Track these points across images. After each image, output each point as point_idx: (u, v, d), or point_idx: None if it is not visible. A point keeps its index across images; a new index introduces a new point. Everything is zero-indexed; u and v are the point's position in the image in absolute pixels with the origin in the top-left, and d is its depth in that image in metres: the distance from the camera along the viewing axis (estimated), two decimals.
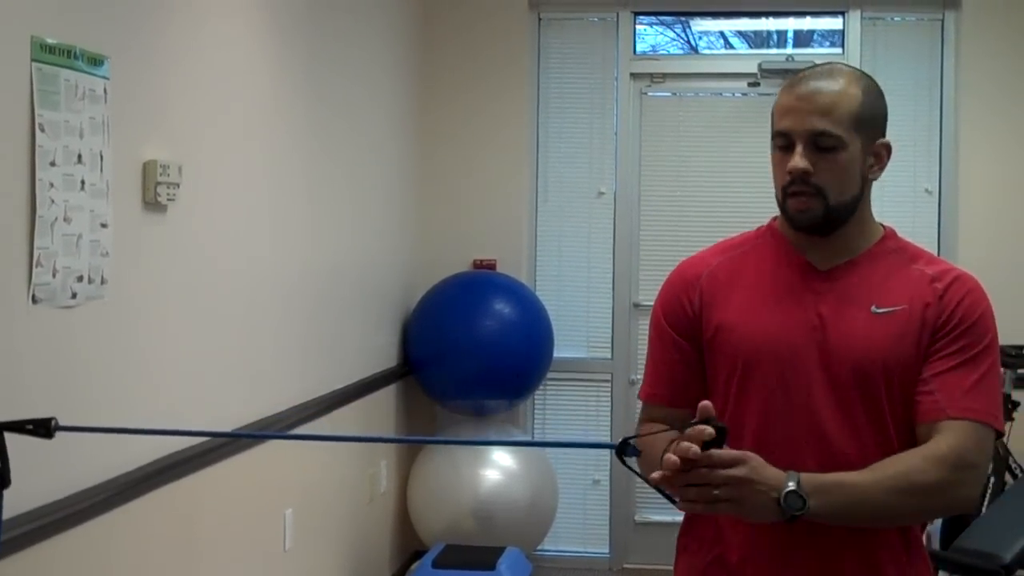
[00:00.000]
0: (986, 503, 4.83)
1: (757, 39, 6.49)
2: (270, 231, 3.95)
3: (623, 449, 1.77)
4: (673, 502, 1.83)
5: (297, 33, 4.17)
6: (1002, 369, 5.04)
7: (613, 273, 5.95)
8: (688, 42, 6.64)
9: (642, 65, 5.96)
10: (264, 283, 3.90)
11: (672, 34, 6.63)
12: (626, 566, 5.93)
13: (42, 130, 2.56)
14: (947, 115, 5.73)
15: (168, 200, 3.14)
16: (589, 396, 5.98)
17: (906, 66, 5.78)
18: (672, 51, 6.48)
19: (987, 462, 2.04)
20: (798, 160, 2.01)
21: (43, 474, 2.56)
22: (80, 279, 2.72)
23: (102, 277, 2.81)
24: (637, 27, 6.00)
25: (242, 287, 3.72)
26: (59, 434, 1.93)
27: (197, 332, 3.39)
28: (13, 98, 2.49)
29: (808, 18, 6.30)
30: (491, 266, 5.82)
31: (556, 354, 5.68)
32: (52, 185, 2.59)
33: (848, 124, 2.01)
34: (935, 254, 2.19)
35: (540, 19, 5.97)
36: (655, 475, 1.79)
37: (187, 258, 3.31)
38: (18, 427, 1.94)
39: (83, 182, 2.72)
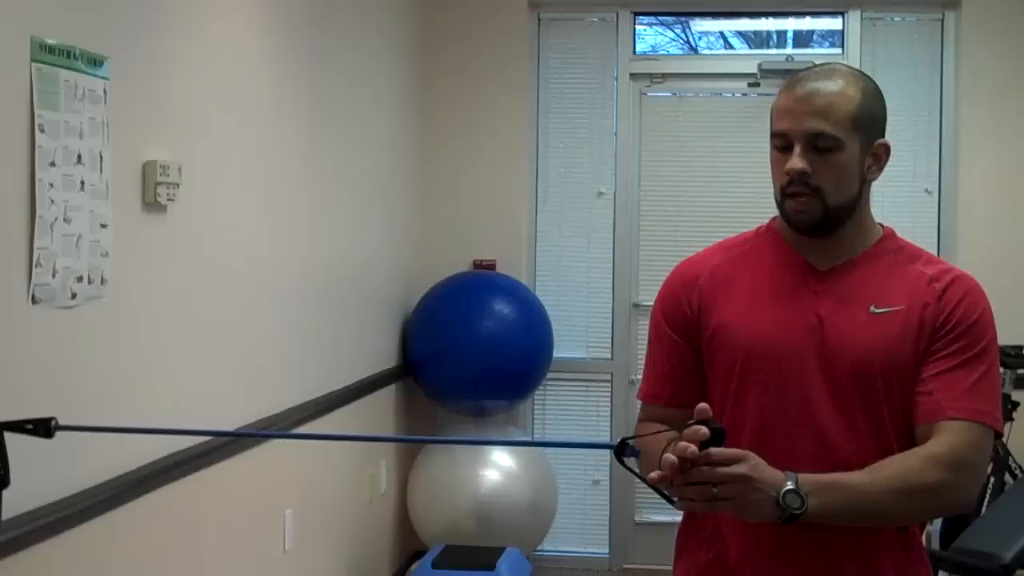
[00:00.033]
0: (986, 503, 4.83)
1: (757, 39, 6.49)
2: (270, 231, 3.95)
3: (621, 450, 1.78)
4: (671, 502, 1.84)
5: (297, 34, 4.17)
6: (1002, 369, 5.07)
7: (613, 273, 5.95)
8: (688, 42, 6.64)
9: (642, 65, 5.96)
10: (264, 283, 3.90)
11: (672, 34, 6.63)
12: (626, 566, 5.93)
13: (42, 130, 2.56)
14: (947, 115, 5.73)
15: (168, 200, 3.14)
16: (589, 396, 5.98)
17: (906, 66, 5.78)
18: (672, 51, 6.48)
19: (986, 462, 2.05)
20: (796, 161, 2.01)
21: (43, 474, 2.56)
22: (80, 279, 2.72)
23: (102, 277, 2.82)
24: (637, 27, 6.01)
25: (242, 287, 3.72)
26: (59, 434, 1.93)
27: (197, 332, 3.39)
28: (13, 99, 2.49)
29: (808, 18, 6.30)
30: (491, 266, 5.82)
31: (556, 354, 5.68)
32: (52, 185, 2.59)
33: (846, 125, 2.01)
34: (935, 254, 2.19)
35: (540, 19, 5.97)
36: (653, 475, 1.79)
37: (187, 258, 3.31)
38: (18, 427, 1.94)
39: (83, 182, 2.72)
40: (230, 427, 3.60)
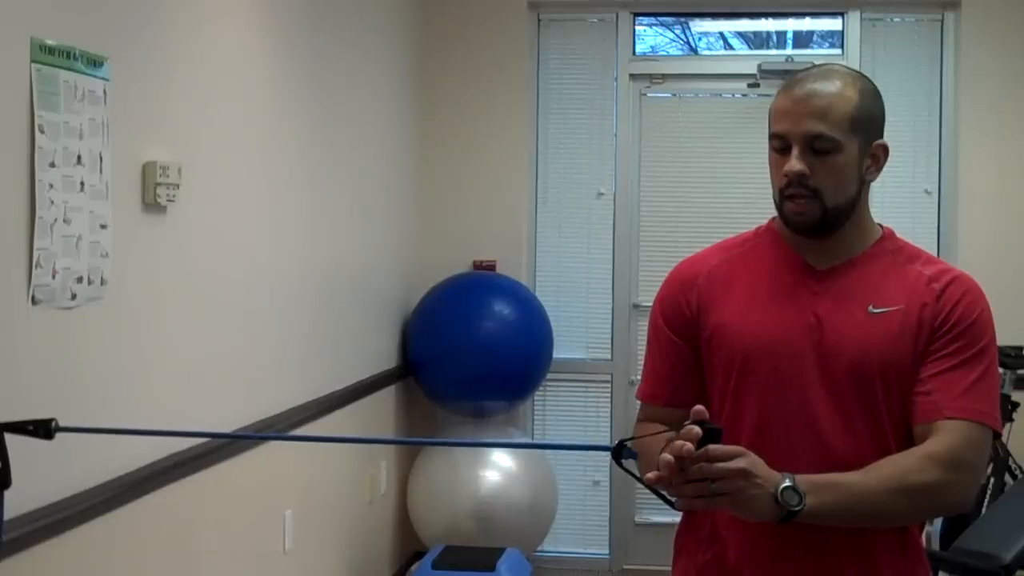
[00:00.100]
0: (986, 504, 4.83)
1: (757, 40, 6.49)
2: (270, 232, 3.96)
3: (619, 452, 1.78)
4: (669, 503, 1.84)
5: (297, 35, 4.17)
6: (1001, 370, 5.08)
7: (613, 274, 5.95)
8: (688, 43, 6.64)
9: (642, 66, 5.96)
10: (264, 284, 3.90)
11: (672, 35, 6.63)
12: (626, 567, 5.93)
13: (42, 131, 2.56)
14: (947, 116, 5.73)
15: (168, 201, 3.14)
16: (589, 397, 5.98)
17: (905, 67, 5.78)
18: (672, 52, 6.49)
19: (984, 462, 2.05)
20: (795, 163, 2.01)
21: (43, 475, 2.56)
22: (80, 280, 2.72)
23: (102, 278, 2.82)
24: (637, 28, 6.01)
25: (242, 288, 3.72)
26: (59, 435, 1.93)
27: (197, 333, 3.39)
28: (13, 99, 2.49)
29: (807, 19, 6.30)
30: (491, 267, 5.82)
31: (556, 355, 5.68)
32: (52, 186, 2.60)
33: (844, 126, 2.01)
34: (934, 255, 2.19)
35: (540, 20, 5.98)
36: (650, 475, 1.79)
37: (187, 259, 3.32)
38: (18, 428, 1.94)
39: (83, 183, 2.72)
40: (230, 427, 3.60)
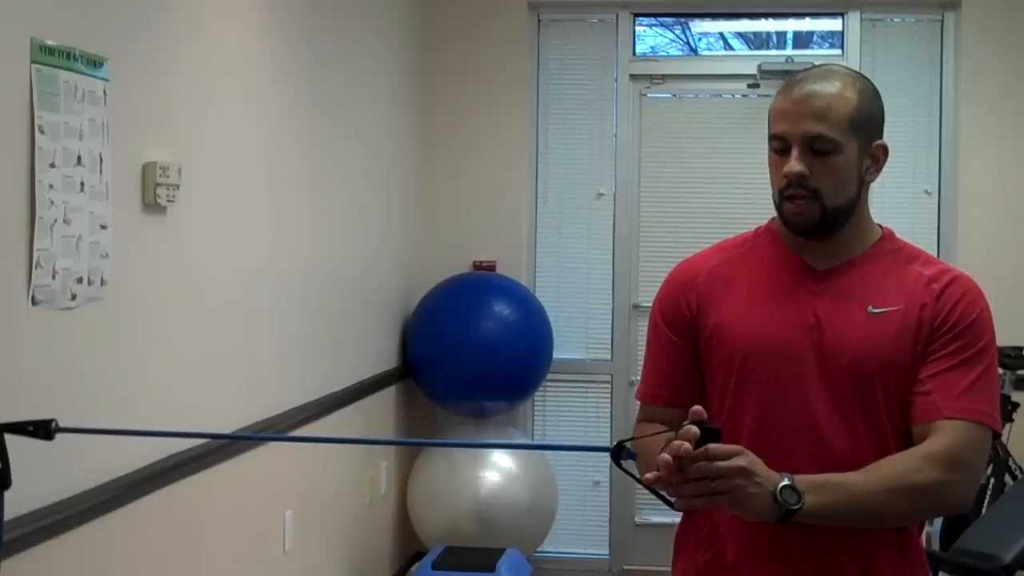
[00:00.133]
0: (986, 504, 4.83)
1: (757, 40, 6.49)
2: (270, 233, 3.96)
3: (618, 453, 1.78)
4: (668, 503, 1.84)
5: (297, 36, 4.17)
6: (1001, 370, 5.08)
7: (613, 274, 5.96)
8: (688, 43, 6.65)
9: (642, 66, 5.96)
10: (264, 284, 3.90)
11: (672, 35, 6.64)
12: (626, 567, 5.93)
13: (42, 132, 2.56)
14: (947, 116, 5.73)
15: (168, 202, 3.14)
16: (589, 397, 5.98)
17: (905, 67, 5.78)
18: (672, 52, 6.49)
19: (982, 462, 2.05)
20: (794, 164, 2.01)
21: (43, 475, 2.56)
22: (80, 280, 2.72)
23: (102, 279, 2.82)
24: (637, 28, 6.01)
25: (242, 289, 3.72)
26: (59, 435, 1.93)
27: (197, 333, 3.39)
28: (13, 100, 2.49)
29: (807, 19, 6.30)
30: (491, 267, 5.82)
31: (556, 355, 5.68)
32: (52, 187, 2.60)
33: (844, 127, 2.01)
34: (934, 255, 2.19)
35: (540, 20, 5.98)
36: (649, 476, 1.80)
37: (187, 260, 3.32)
38: (18, 428, 1.95)
39: (83, 184, 2.72)
40: (230, 428, 3.60)
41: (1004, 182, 5.64)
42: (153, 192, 3.07)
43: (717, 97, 6.09)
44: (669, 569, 2.24)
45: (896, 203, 5.57)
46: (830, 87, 2.03)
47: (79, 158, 2.70)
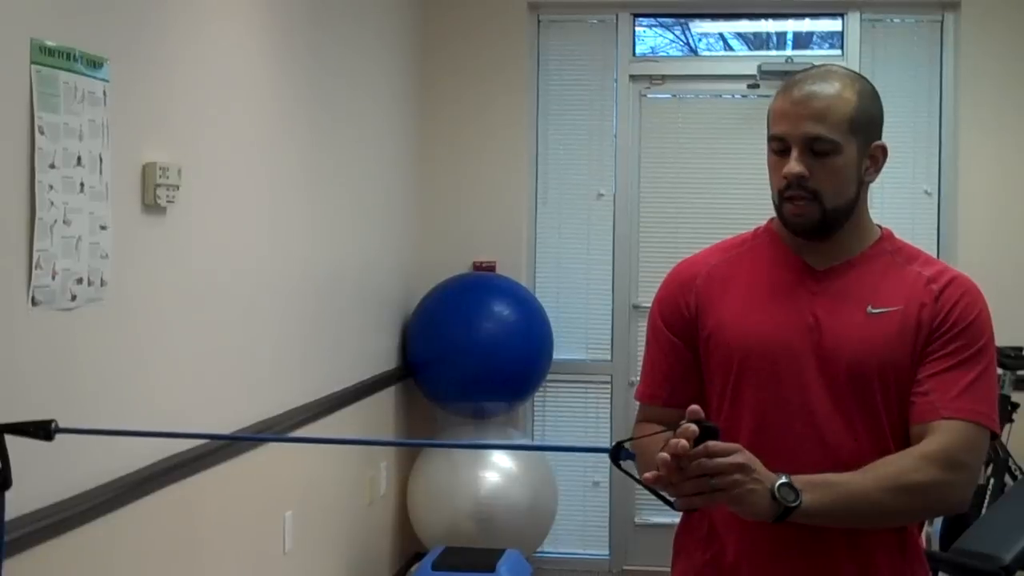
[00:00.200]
0: (986, 504, 4.83)
1: (756, 41, 6.49)
2: (270, 233, 3.96)
3: (617, 453, 1.78)
4: (668, 503, 1.84)
5: (297, 36, 4.17)
6: (1001, 371, 5.08)
7: (612, 275, 5.96)
8: (687, 44, 6.65)
9: (641, 67, 5.96)
10: (264, 285, 3.90)
11: (671, 36, 6.64)
12: (626, 568, 5.93)
13: (42, 132, 2.56)
14: (946, 117, 5.73)
15: (168, 202, 3.14)
16: (589, 398, 5.98)
17: (905, 68, 5.78)
18: (671, 53, 6.49)
19: (980, 462, 2.05)
20: (794, 165, 2.01)
21: (43, 476, 2.56)
22: (80, 281, 2.72)
23: (101, 279, 2.82)
24: (636, 29, 6.01)
25: (242, 289, 3.73)
26: (59, 436, 1.94)
27: (197, 334, 3.39)
28: (13, 101, 2.49)
29: (807, 20, 6.30)
30: (491, 268, 5.82)
31: (556, 356, 5.68)
32: (52, 187, 2.60)
33: (843, 128, 2.01)
34: (933, 256, 2.19)
35: (539, 21, 5.98)
36: (648, 475, 1.80)
37: (187, 260, 3.32)
38: (18, 429, 1.95)
39: (83, 184, 2.72)
40: (230, 428, 3.60)
41: (1004, 182, 5.65)
42: (153, 193, 3.07)
43: (717, 98, 6.09)
44: (669, 569, 2.24)
45: (896, 203, 5.57)
46: (829, 88, 2.03)
47: (79, 159, 2.70)
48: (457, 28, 5.89)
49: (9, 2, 2.49)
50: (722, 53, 6.60)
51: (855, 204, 2.07)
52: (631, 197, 5.94)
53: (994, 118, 5.63)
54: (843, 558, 2.03)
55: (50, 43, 2.60)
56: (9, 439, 1.89)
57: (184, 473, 3.29)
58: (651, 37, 6.29)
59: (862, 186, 2.08)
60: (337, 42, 4.59)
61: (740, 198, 5.56)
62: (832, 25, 6.00)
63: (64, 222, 2.65)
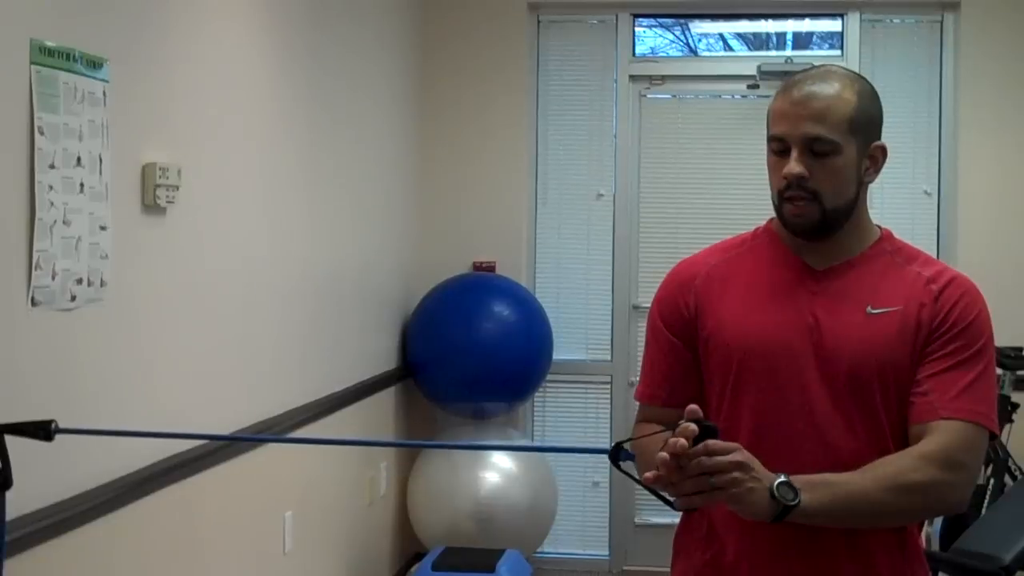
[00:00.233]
0: (986, 504, 4.84)
1: (756, 41, 6.49)
2: (269, 233, 3.96)
3: (616, 454, 1.78)
4: (668, 503, 1.84)
5: (296, 36, 4.17)
6: (1001, 371, 5.08)
7: (612, 275, 5.96)
8: (687, 44, 6.65)
9: (641, 67, 5.97)
10: (263, 285, 3.90)
11: (671, 36, 6.64)
12: (626, 568, 5.93)
13: (41, 133, 2.56)
14: (946, 117, 5.73)
15: (167, 203, 3.14)
16: (589, 398, 5.98)
17: (905, 68, 5.78)
18: (671, 53, 6.49)
19: (979, 463, 2.05)
20: (794, 166, 2.01)
21: (44, 476, 2.56)
22: (79, 281, 2.72)
23: (101, 279, 2.82)
24: (636, 29, 6.01)
25: (241, 289, 3.73)
26: (59, 436, 1.93)
27: (196, 334, 3.39)
28: (12, 101, 2.49)
29: (807, 20, 6.30)
30: (490, 268, 5.82)
31: (556, 356, 5.68)
32: (51, 188, 2.60)
33: (843, 129, 2.01)
34: (933, 256, 2.20)
35: (539, 21, 5.98)
36: (648, 475, 1.80)
37: (186, 260, 3.32)
38: (18, 429, 1.95)
39: (82, 185, 2.72)
40: (230, 428, 3.60)
41: (1004, 182, 5.65)
42: (153, 193, 3.07)
43: (717, 98, 6.09)
44: (668, 569, 2.24)
45: (896, 203, 5.57)
46: (829, 88, 2.03)
47: (79, 159, 2.70)
48: (457, 28, 5.89)
49: (9, 2, 2.49)
50: (722, 53, 6.60)
51: (855, 204, 2.07)
52: (631, 197, 5.95)
53: (994, 118, 5.63)
54: (843, 558, 2.03)
55: (50, 43, 2.60)
56: (9, 439, 1.89)
57: (184, 473, 3.29)
58: (651, 37, 6.29)
59: (862, 186, 2.08)
60: (337, 43, 4.59)
61: (740, 198, 5.56)
62: (832, 25, 6.00)
63: (64, 222, 2.65)
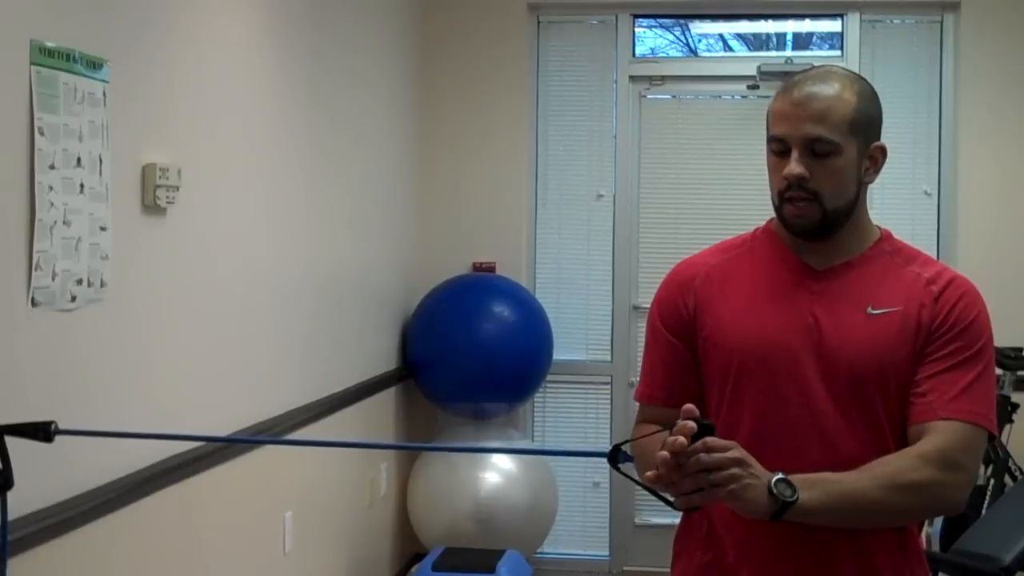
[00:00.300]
0: (986, 505, 4.83)
1: (756, 42, 6.49)
2: (269, 234, 3.96)
3: (614, 456, 1.78)
4: (668, 503, 1.84)
5: (296, 37, 4.17)
6: (1001, 371, 5.09)
7: (612, 275, 5.96)
8: (687, 45, 6.64)
9: (641, 68, 5.97)
10: (263, 286, 3.90)
11: (671, 37, 6.63)
12: (626, 568, 5.93)
13: (41, 133, 2.56)
14: (946, 117, 5.73)
15: (167, 203, 3.14)
16: (589, 398, 5.98)
17: (905, 69, 5.78)
18: (671, 54, 6.48)
19: (977, 463, 2.05)
20: (794, 166, 2.01)
21: (44, 476, 2.56)
22: (79, 282, 2.72)
23: (101, 280, 2.82)
24: (636, 30, 6.01)
25: (241, 289, 3.73)
26: (59, 437, 1.94)
27: (196, 335, 3.39)
28: (12, 102, 2.49)
29: (807, 20, 6.30)
30: (491, 269, 5.82)
31: (556, 357, 5.68)
32: (51, 188, 2.60)
33: (843, 129, 2.01)
34: (932, 256, 2.20)
35: (539, 22, 5.98)
36: (649, 474, 1.80)
37: (186, 261, 3.32)
38: (19, 430, 1.95)
39: (82, 185, 2.72)
40: (230, 429, 3.60)
41: (1004, 182, 5.65)
42: (153, 194, 3.07)
43: (717, 98, 6.09)
44: (669, 570, 2.24)
45: (896, 204, 5.57)
46: (829, 89, 2.03)
47: (79, 160, 2.70)
48: (457, 28, 5.89)
49: (9, 3, 2.49)
50: (722, 54, 6.60)
51: (855, 205, 2.08)
52: (631, 198, 5.95)
53: (994, 118, 5.63)
54: (843, 559, 2.03)
55: (50, 44, 2.60)
56: (9, 440, 1.89)
57: (184, 474, 3.29)
58: (651, 38, 6.29)
59: (862, 187, 2.08)
60: (337, 42, 4.59)
61: (740, 199, 5.56)
62: (832, 26, 6.00)
63: (64, 223, 2.65)
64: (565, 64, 5.99)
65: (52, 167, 2.60)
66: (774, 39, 6.40)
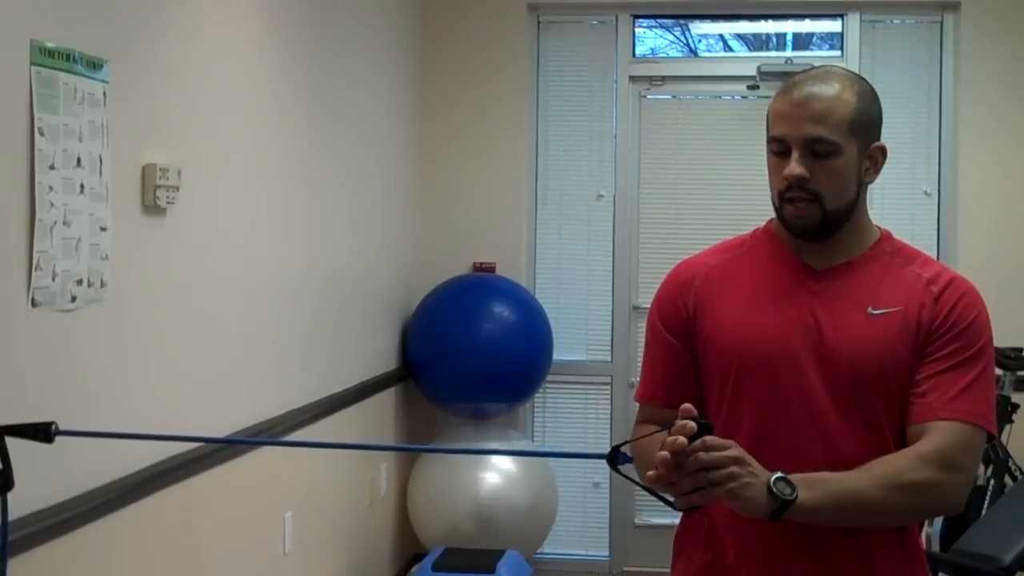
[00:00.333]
0: (986, 505, 4.84)
1: (756, 42, 6.49)
2: (269, 234, 3.96)
3: (614, 457, 1.78)
4: (668, 503, 1.84)
5: (296, 37, 4.17)
6: (1000, 371, 5.09)
7: (612, 276, 5.96)
8: (687, 45, 6.64)
9: (641, 68, 5.97)
10: (263, 286, 3.90)
11: (671, 37, 6.63)
12: (626, 569, 5.93)
13: (41, 134, 2.56)
14: (946, 117, 5.74)
15: (167, 203, 3.14)
16: (589, 399, 5.98)
17: (905, 69, 5.78)
18: (671, 54, 6.48)
19: (976, 464, 2.05)
20: (795, 167, 2.01)
21: (44, 477, 2.56)
22: (79, 282, 2.72)
23: (101, 280, 2.82)
24: (636, 30, 6.01)
25: (241, 290, 3.73)
26: (59, 438, 1.93)
27: (196, 335, 3.39)
28: (12, 102, 2.49)
29: (807, 21, 6.30)
30: (491, 269, 5.82)
31: (556, 357, 5.68)
32: (51, 188, 2.60)
33: (844, 130, 2.01)
34: (932, 257, 2.20)
35: (539, 22, 5.98)
36: (650, 474, 1.80)
37: (186, 261, 3.32)
38: (19, 431, 1.95)
39: (82, 186, 2.72)
40: (230, 430, 3.60)
41: (1004, 182, 5.65)
42: (153, 194, 3.07)
43: (717, 99, 6.09)
44: (669, 570, 2.24)
45: (896, 204, 5.57)
46: (829, 89, 2.03)
47: (79, 160, 2.70)
48: (457, 28, 5.89)
49: (9, 3, 2.49)
50: (722, 54, 6.60)
51: (855, 205, 2.08)
52: (631, 198, 5.95)
53: (994, 118, 5.64)
54: (844, 559, 2.03)
55: (50, 44, 2.60)
56: (9, 440, 1.88)
57: (184, 474, 3.29)
58: (651, 38, 6.29)
59: (862, 187, 2.08)
60: (337, 42, 4.59)
61: (740, 199, 5.56)
62: (832, 26, 6.00)
63: (64, 223, 2.65)
64: (565, 64, 5.99)
65: (52, 167, 2.60)
66: (774, 39, 6.40)
